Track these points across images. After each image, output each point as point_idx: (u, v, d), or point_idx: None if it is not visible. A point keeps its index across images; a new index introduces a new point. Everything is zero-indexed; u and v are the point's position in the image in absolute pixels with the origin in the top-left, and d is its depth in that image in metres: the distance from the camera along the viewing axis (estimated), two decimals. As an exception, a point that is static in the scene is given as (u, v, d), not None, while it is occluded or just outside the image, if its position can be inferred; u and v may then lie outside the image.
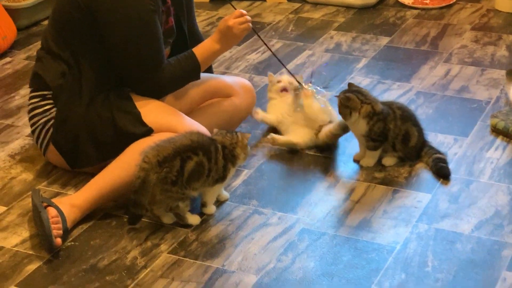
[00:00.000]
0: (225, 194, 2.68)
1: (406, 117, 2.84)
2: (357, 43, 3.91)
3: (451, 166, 2.82)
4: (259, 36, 2.94)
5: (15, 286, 2.30)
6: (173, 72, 2.72)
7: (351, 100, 2.76)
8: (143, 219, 2.57)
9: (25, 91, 3.39)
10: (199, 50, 2.78)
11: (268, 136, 2.94)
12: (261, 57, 3.76)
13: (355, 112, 2.76)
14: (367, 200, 2.68)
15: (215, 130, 2.63)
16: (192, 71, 2.77)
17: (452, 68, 3.62)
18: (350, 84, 2.87)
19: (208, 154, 2.51)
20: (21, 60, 3.78)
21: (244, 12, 2.79)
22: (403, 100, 3.30)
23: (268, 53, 3.77)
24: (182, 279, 2.32)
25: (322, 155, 2.93)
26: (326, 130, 2.89)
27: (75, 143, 2.68)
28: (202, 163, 2.49)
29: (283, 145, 2.94)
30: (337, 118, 2.90)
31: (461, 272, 2.33)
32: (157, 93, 2.75)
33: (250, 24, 2.79)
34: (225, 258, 2.41)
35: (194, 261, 2.40)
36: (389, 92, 3.41)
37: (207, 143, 2.53)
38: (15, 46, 3.92)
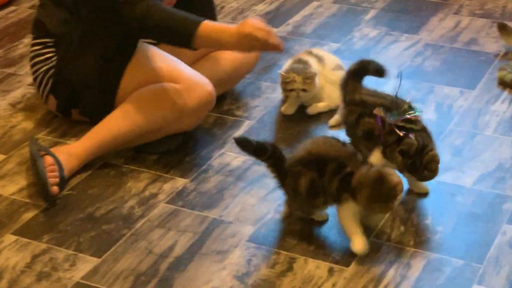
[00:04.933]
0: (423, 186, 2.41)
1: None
2: (366, -6, 3.83)
3: (455, 119, 2.77)
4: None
5: (12, 233, 2.28)
6: (160, 19, 2.44)
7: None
8: (141, 168, 2.55)
9: (29, 40, 3.34)
10: (209, 26, 2.43)
11: (311, 107, 2.85)
12: (269, 8, 3.69)
13: None
14: (369, 152, 2.64)
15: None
16: (182, 35, 2.43)
17: (462, 20, 3.54)
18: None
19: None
20: (25, 9, 3.73)
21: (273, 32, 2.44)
22: (410, 52, 3.23)
23: (276, 3, 3.70)
24: (179, 229, 2.30)
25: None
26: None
27: (75, 93, 2.64)
28: None
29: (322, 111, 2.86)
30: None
31: (460, 225, 2.29)
32: (135, 27, 2.49)
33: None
34: (222, 209, 2.38)
35: (192, 211, 2.37)
36: (396, 44, 3.34)
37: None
38: (21, -5, 3.87)
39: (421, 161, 2.28)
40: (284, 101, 2.89)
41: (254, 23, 2.41)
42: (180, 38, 2.46)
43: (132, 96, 2.59)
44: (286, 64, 2.84)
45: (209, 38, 2.43)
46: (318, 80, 2.78)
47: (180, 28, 2.44)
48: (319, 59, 2.85)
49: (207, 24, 2.43)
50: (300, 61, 2.82)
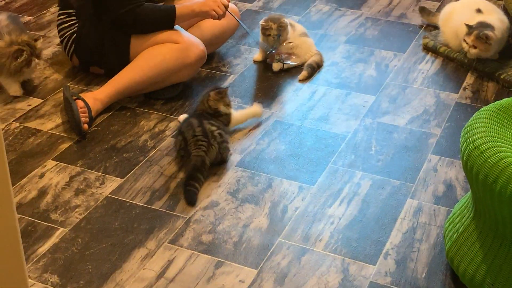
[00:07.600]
0: None
1: None
2: (319, -23, 3.86)
3: (391, 76, 2.87)
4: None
5: (52, 159, 2.33)
6: (148, 15, 2.56)
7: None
8: (151, 111, 2.60)
9: (54, 9, 3.34)
10: (180, 8, 2.61)
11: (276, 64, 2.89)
12: (243, -13, 3.71)
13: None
14: (326, 99, 2.73)
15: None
16: (167, 21, 2.60)
17: (394, -1, 3.61)
18: None
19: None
20: (49, -16, 3.69)
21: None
22: (355, 24, 3.30)
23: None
24: (183, 157, 2.36)
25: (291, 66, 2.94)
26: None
27: (93, 55, 2.67)
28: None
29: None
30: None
31: (397, 155, 2.40)
32: (128, 27, 2.59)
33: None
34: (216, 142, 2.44)
35: (192, 143, 2.43)
36: (343, 17, 3.40)
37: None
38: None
39: None
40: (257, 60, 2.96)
41: None
42: (167, 25, 2.60)
43: (144, 53, 2.61)
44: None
45: (185, 14, 2.62)
46: (289, 29, 2.86)
47: (164, 18, 2.59)
48: (291, 25, 2.92)
49: (178, 7, 2.60)
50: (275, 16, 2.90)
